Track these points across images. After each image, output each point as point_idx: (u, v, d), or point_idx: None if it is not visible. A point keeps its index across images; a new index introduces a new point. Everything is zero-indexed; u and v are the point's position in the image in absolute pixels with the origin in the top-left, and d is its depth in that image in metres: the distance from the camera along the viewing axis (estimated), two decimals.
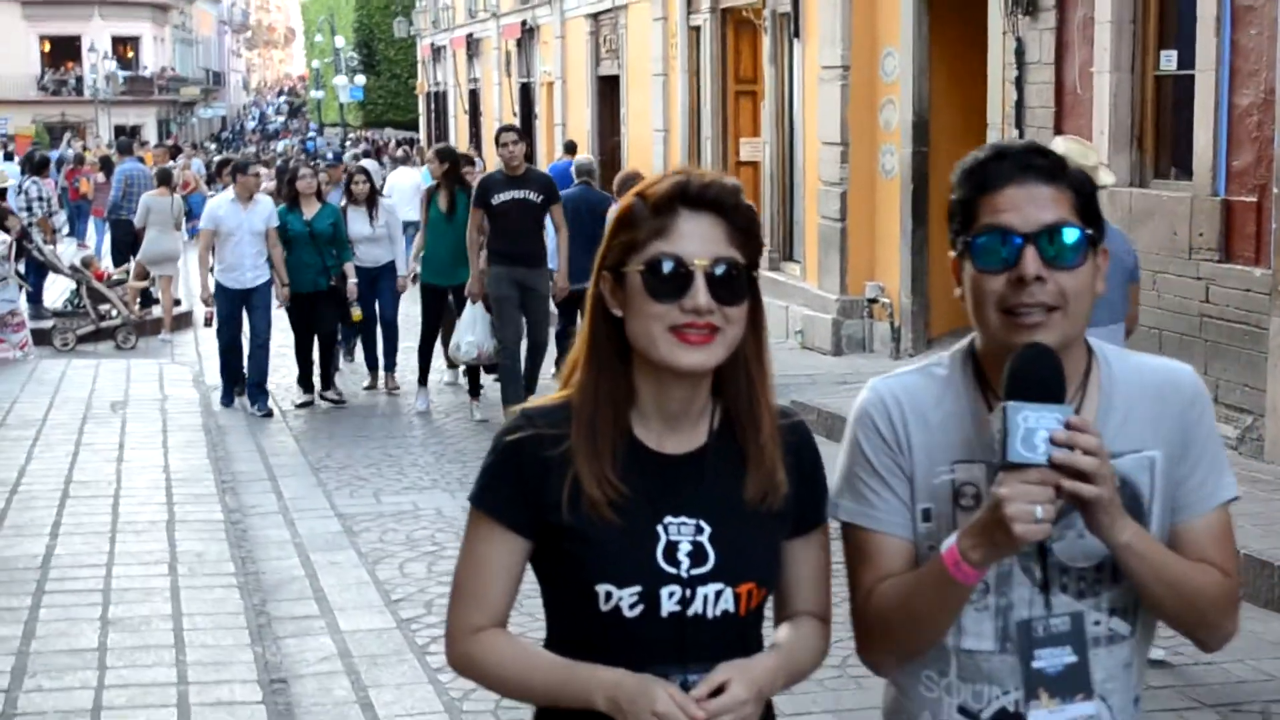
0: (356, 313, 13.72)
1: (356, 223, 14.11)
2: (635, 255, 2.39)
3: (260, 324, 13.38)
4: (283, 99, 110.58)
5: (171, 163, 28.22)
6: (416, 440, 12.28)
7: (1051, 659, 2.37)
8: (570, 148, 22.79)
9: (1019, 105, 12.46)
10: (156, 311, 19.33)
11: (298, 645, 7.08)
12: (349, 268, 13.55)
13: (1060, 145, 8.12)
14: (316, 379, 13.84)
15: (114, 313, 18.03)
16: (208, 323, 13.94)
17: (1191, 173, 10.58)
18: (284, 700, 6.19)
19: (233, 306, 13.34)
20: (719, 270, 2.35)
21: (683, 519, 2.42)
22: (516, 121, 31.42)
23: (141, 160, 26.86)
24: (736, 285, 2.37)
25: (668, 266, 2.36)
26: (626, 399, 2.45)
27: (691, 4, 20.61)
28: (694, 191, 2.39)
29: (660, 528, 2.41)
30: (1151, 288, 10.27)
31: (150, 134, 63.46)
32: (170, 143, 48.33)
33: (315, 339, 13.63)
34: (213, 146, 50.81)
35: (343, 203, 14.28)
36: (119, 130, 48.09)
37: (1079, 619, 2.39)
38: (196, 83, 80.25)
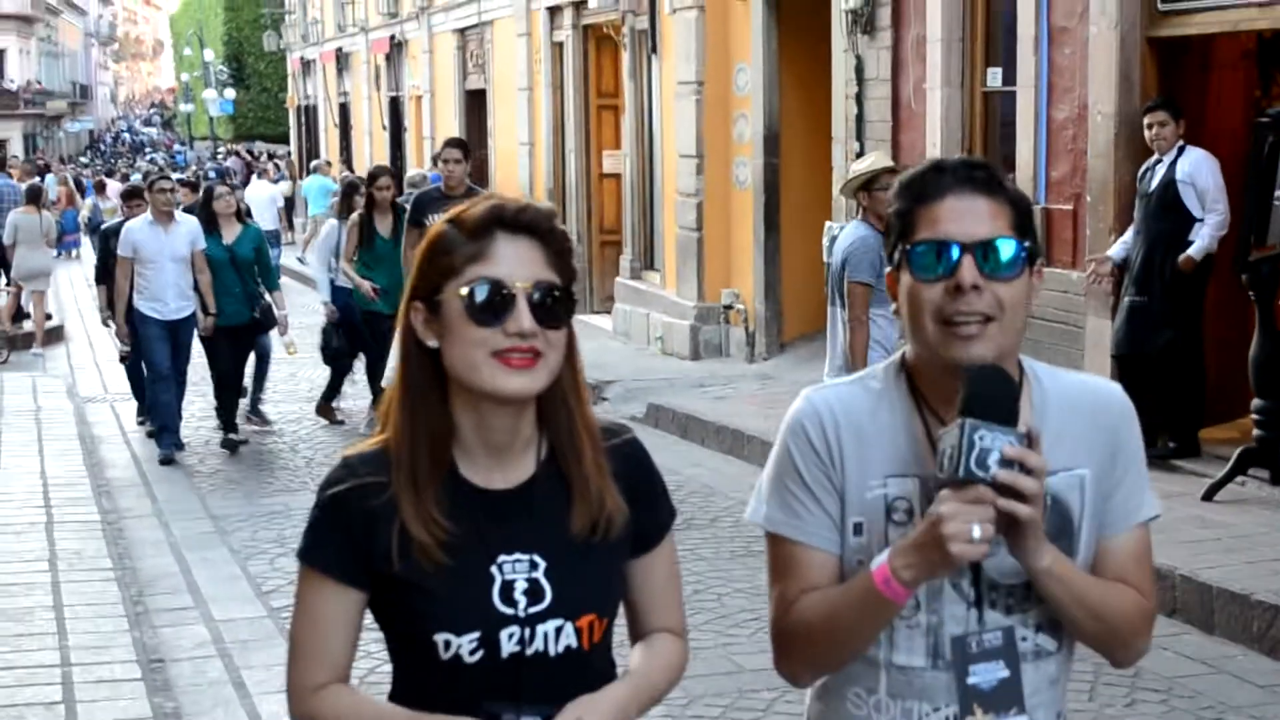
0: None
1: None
2: (452, 281, 2.35)
3: (183, 360, 12.28)
4: (153, 111, 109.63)
5: (39, 179, 28.28)
6: (286, 445, 12.70)
7: (986, 674, 2.38)
8: (437, 160, 23.21)
9: (859, 119, 13.15)
10: (28, 326, 19.54)
11: (173, 633, 7.52)
12: (278, 296, 12.72)
13: (867, 161, 8.82)
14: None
15: None
16: (124, 360, 12.68)
17: (1015, 183, 11.29)
18: (162, 678, 6.68)
19: (163, 333, 11.94)
20: (540, 293, 2.34)
21: (516, 556, 2.39)
22: (386, 135, 31.83)
23: (10, 176, 26.91)
24: (557, 308, 2.36)
25: (487, 290, 2.32)
26: (447, 435, 2.40)
27: (554, 20, 21.14)
28: (510, 215, 2.37)
29: (495, 568, 2.38)
30: None
31: (16, 149, 62.85)
32: (39, 159, 47.98)
33: (229, 374, 12.56)
34: (84, 161, 50.34)
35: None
36: None
37: (1010, 634, 2.41)
38: (64, 96, 79.46)
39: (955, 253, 2.35)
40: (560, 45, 21.03)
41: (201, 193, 13.46)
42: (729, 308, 15.98)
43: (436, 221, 9.24)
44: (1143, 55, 10.10)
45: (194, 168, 43.24)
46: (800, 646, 2.47)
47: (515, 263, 2.35)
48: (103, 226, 14.62)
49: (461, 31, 26.20)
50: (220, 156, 51.76)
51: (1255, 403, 8.89)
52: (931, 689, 2.42)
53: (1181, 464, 9.52)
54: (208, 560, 8.95)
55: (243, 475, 11.40)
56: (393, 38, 30.75)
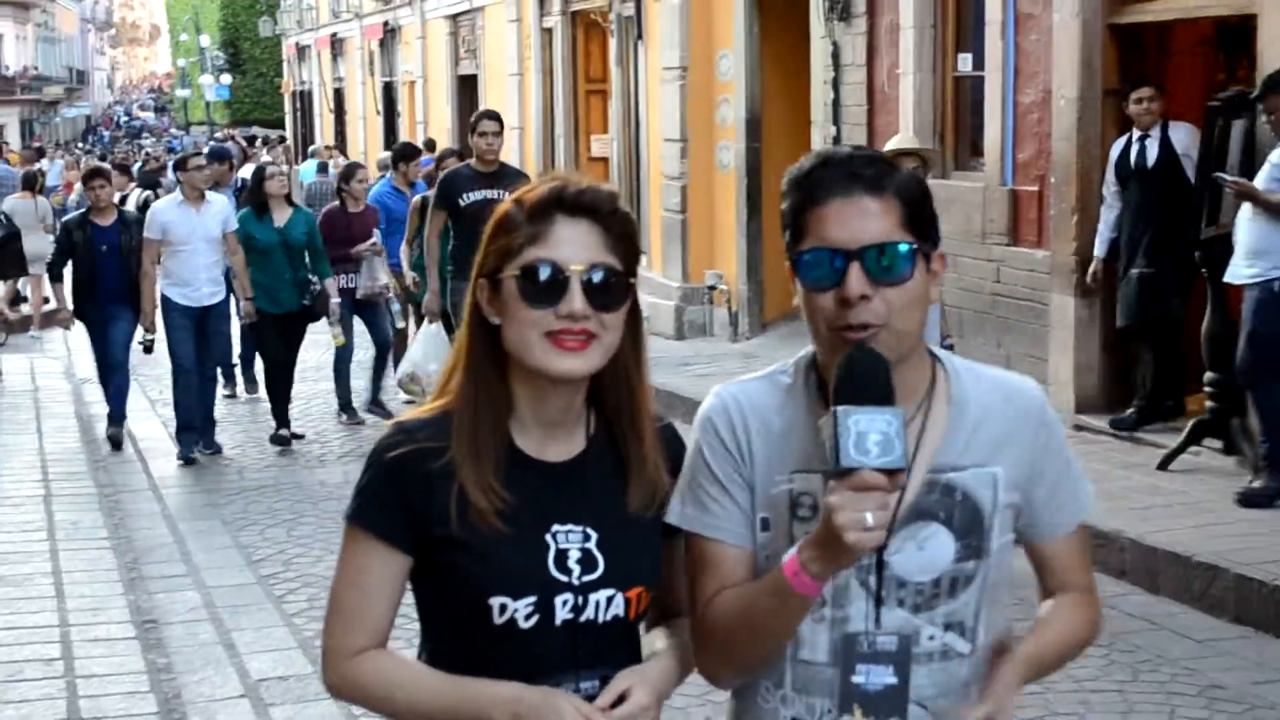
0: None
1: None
2: (511, 261, 2.38)
3: (219, 350, 11.76)
4: (149, 96, 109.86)
5: (38, 165, 28.58)
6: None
7: (872, 676, 2.36)
8: (430, 145, 23.52)
9: (836, 104, 13.47)
10: (25, 309, 19.88)
11: (167, 598, 7.86)
12: (331, 284, 11.81)
13: (894, 141, 9.03)
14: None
15: None
16: (148, 349, 11.69)
17: (984, 165, 11.66)
18: (155, 638, 7.04)
19: (188, 324, 11.30)
20: (595, 276, 2.36)
21: (570, 526, 2.43)
22: (380, 120, 32.14)
23: (8, 161, 27.21)
24: (613, 291, 2.38)
25: (543, 272, 2.35)
26: (506, 407, 2.45)
27: (544, 7, 21.45)
28: (570, 197, 2.39)
29: (549, 536, 2.42)
30: (952, 270, 11.30)
31: (13, 134, 63.11)
32: (35, 144, 48.23)
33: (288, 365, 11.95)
34: (80, 147, 50.61)
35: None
36: None
37: (905, 641, 2.37)
38: (60, 82, 79.63)
39: (842, 261, 2.31)
40: (550, 31, 21.34)
41: (252, 172, 12.61)
42: (713, 288, 16.28)
43: (469, 201, 8.95)
44: (1104, 42, 10.41)
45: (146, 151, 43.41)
46: (719, 643, 2.45)
47: (572, 245, 2.37)
48: (64, 219, 13.30)
49: (453, 18, 26.50)
50: (219, 140, 52.00)
51: (1208, 376, 9.21)
52: (832, 685, 2.39)
53: (1142, 435, 9.87)
54: (200, 531, 9.28)
55: (236, 451, 11.73)
56: (386, 24, 31.06)
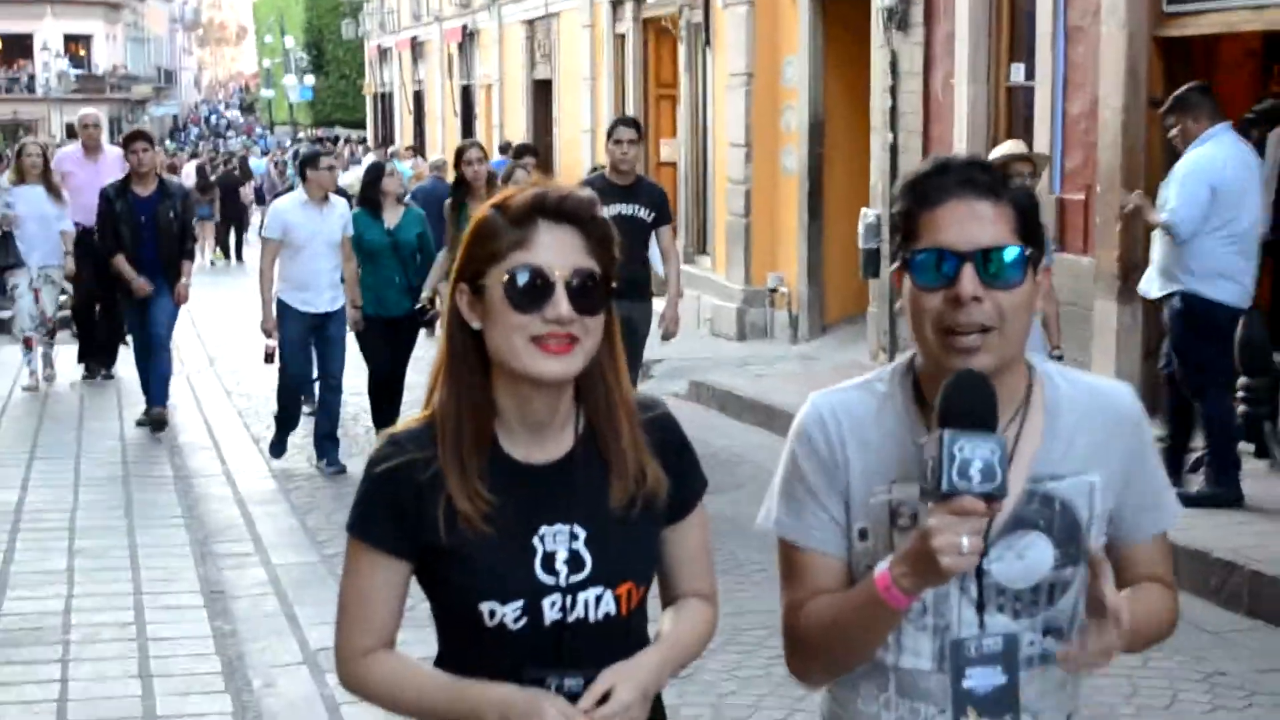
0: None
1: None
2: (495, 267, 2.42)
3: (336, 359, 11.03)
4: (235, 95, 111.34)
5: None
6: (349, 415, 13.47)
7: (982, 679, 2.40)
8: (504, 148, 23.95)
9: (893, 111, 13.79)
10: None
11: (235, 575, 8.31)
12: (443, 287, 11.06)
13: (1005, 147, 9.30)
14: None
15: None
16: (269, 358, 11.01)
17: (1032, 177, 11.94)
18: (221, 606, 7.51)
19: (303, 333, 10.79)
20: (578, 281, 2.41)
21: (557, 527, 2.48)
22: (458, 122, 32.67)
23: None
24: (595, 295, 2.43)
25: (528, 277, 2.40)
26: (489, 412, 2.49)
27: (616, 13, 21.89)
28: (552, 204, 2.44)
29: (536, 539, 2.47)
30: None
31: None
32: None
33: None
34: (170, 146, 51.44)
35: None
36: (70, 129, 48.98)
37: (1013, 641, 2.41)
38: (148, 80, 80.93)
39: (955, 263, 2.34)
40: (622, 37, 21.76)
41: (365, 170, 12.05)
42: (774, 291, 16.62)
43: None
44: (1149, 54, 10.70)
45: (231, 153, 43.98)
46: (810, 650, 2.51)
47: (555, 251, 2.41)
48: (101, 186, 12.32)
49: (530, 23, 26.99)
50: (300, 141, 52.82)
51: (1241, 380, 9.48)
52: (936, 691, 2.44)
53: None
54: (270, 515, 9.72)
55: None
56: (465, 27, 31.60)
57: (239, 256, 30.99)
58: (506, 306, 2.41)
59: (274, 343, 10.82)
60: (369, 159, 22.62)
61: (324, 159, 11.06)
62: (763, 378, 14.13)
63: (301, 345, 10.79)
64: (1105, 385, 2.58)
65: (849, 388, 2.54)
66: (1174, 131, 8.91)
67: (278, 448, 11.15)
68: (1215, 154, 8.64)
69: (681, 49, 19.39)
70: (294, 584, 8.11)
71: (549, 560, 2.46)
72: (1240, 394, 9.52)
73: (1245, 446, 9.54)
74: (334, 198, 10.89)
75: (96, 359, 14.29)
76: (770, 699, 6.13)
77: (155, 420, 11.95)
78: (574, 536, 2.48)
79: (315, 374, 11.33)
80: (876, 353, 14.27)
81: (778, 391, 12.95)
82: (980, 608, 2.41)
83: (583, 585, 2.47)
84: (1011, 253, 2.35)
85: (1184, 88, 9.02)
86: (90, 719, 6.15)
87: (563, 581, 2.46)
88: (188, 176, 29.91)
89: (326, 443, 10.96)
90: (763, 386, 13.48)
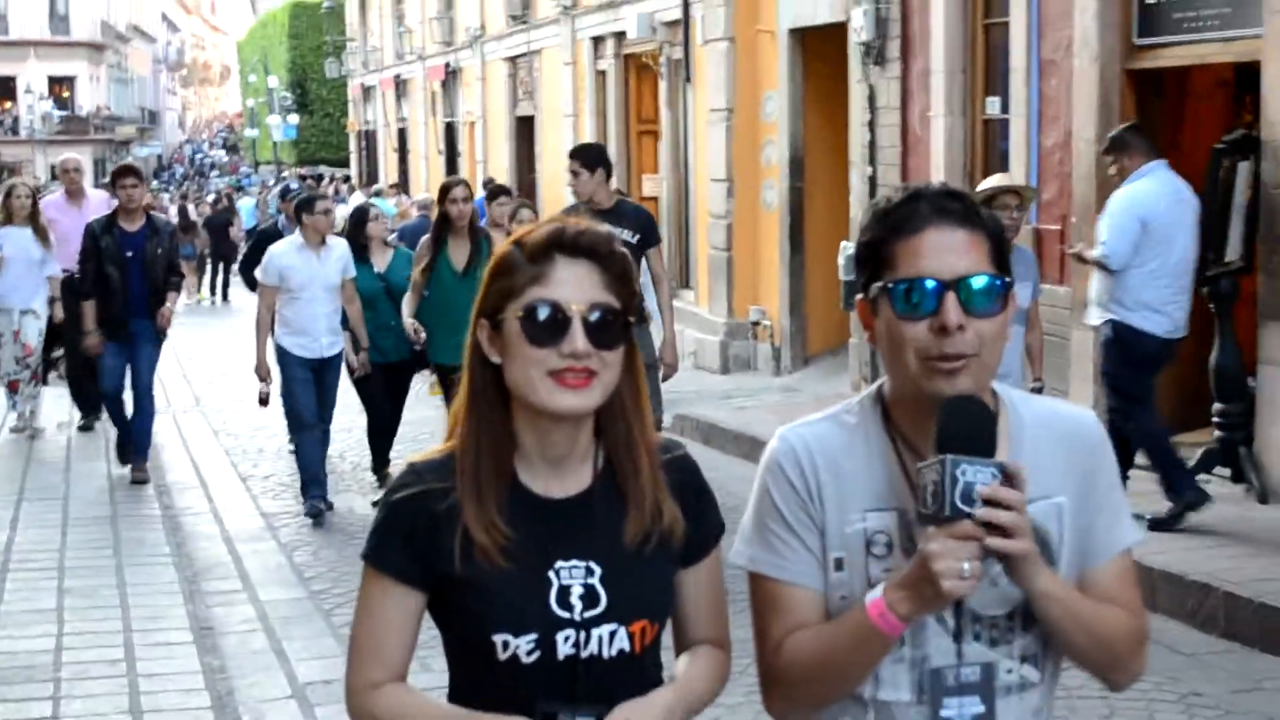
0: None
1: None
2: (513, 302, 2.44)
3: (328, 406, 10.88)
4: (219, 135, 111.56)
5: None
6: (334, 452, 13.55)
7: (960, 709, 2.41)
8: (488, 184, 24.08)
9: (872, 145, 13.95)
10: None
11: (224, 612, 8.39)
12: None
13: (993, 180, 9.48)
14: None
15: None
16: (264, 402, 10.90)
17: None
18: (210, 644, 7.60)
19: (308, 375, 10.58)
20: (596, 315, 2.41)
21: (573, 562, 2.48)
22: (442, 160, 32.85)
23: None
24: (613, 330, 2.43)
25: (545, 312, 2.41)
26: (509, 445, 2.50)
27: (598, 50, 22.08)
28: (569, 239, 2.45)
29: (552, 573, 2.47)
30: None
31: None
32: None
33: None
34: (154, 186, 51.54)
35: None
36: (54, 170, 49.13)
37: (990, 670, 2.43)
38: (132, 121, 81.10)
39: (939, 291, 2.35)
40: (603, 74, 21.96)
41: (351, 214, 12.03)
42: (756, 324, 16.77)
43: None
44: (1122, 86, 10.88)
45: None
46: (790, 684, 2.49)
47: (573, 286, 2.42)
48: (88, 221, 11.94)
49: (512, 60, 27.19)
50: (284, 179, 52.94)
51: (1216, 406, 9.63)
52: None
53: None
54: (257, 552, 9.79)
55: (293, 479, 12.21)
56: (448, 65, 31.79)
57: (225, 296, 31.04)
58: (523, 341, 2.42)
59: (267, 387, 10.73)
60: (355, 198, 22.73)
61: (320, 203, 10.77)
62: (746, 409, 14.25)
63: (308, 387, 10.55)
64: (1065, 409, 2.61)
65: (816, 420, 2.56)
66: (1112, 170, 9.29)
67: (316, 498, 10.66)
68: (1149, 189, 8.99)
69: (662, 85, 19.58)
70: (282, 620, 8.19)
71: (564, 594, 2.46)
72: (1215, 419, 9.67)
73: (1221, 471, 9.69)
74: (332, 240, 10.67)
75: (88, 405, 14.22)
76: None
77: (137, 479, 11.60)
78: (590, 572, 2.48)
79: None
80: (859, 384, 14.39)
81: (761, 423, 13.06)
82: (958, 637, 2.42)
83: (597, 621, 2.47)
84: (992, 281, 2.37)
85: (1118, 128, 9.49)
86: None
87: (577, 616, 2.46)
88: (171, 216, 29.95)
89: (311, 484, 10.78)
90: (746, 418, 13.60)
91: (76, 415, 14.39)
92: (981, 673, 2.42)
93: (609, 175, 9.66)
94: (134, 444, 11.79)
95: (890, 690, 2.45)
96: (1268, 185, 9.38)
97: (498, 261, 2.51)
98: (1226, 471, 9.66)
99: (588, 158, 10.05)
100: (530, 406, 2.45)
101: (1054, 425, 2.51)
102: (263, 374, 10.66)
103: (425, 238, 10.66)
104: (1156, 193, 8.97)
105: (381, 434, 11.30)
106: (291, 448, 11.74)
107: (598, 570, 2.48)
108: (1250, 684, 6.88)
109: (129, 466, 11.80)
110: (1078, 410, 2.61)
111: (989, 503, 2.22)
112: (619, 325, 2.45)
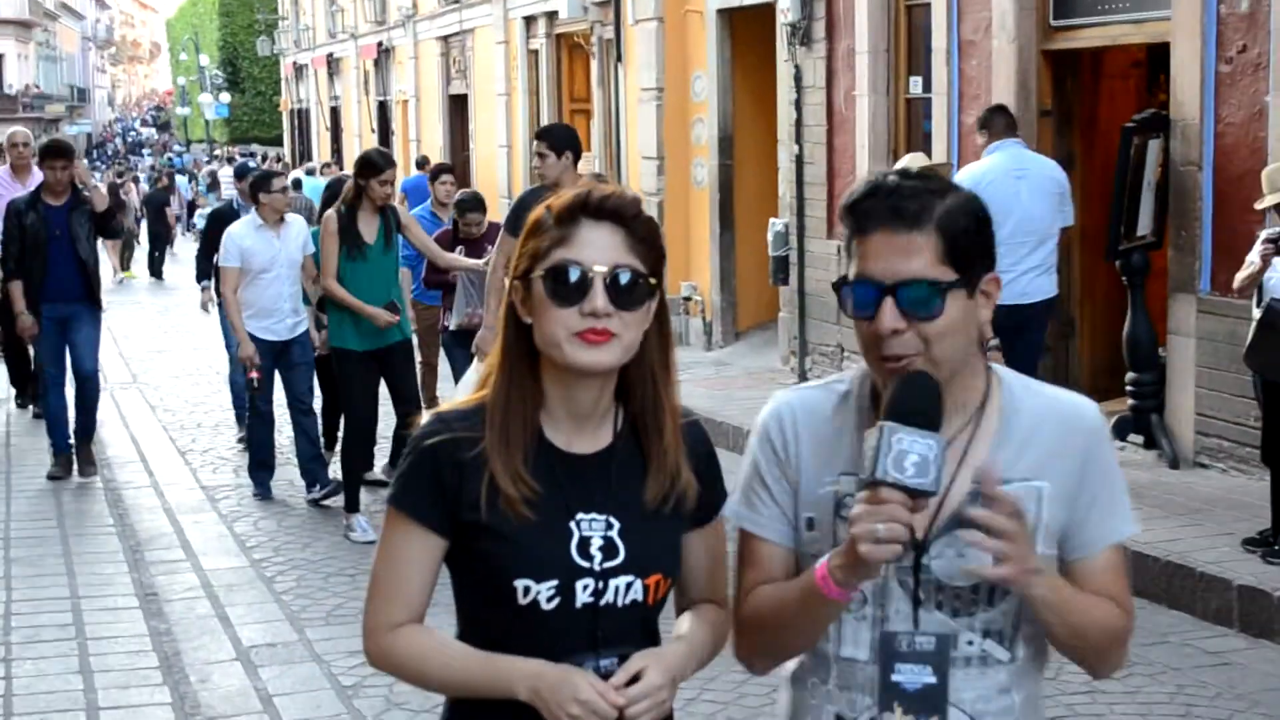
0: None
1: None
2: (540, 263, 2.51)
3: (304, 382, 10.48)
4: (150, 113, 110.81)
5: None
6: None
7: (911, 675, 2.43)
8: (421, 163, 24.22)
9: (799, 123, 14.24)
10: None
11: (168, 580, 8.60)
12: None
13: (906, 160, 9.82)
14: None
15: None
16: (256, 386, 10.35)
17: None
18: (156, 608, 7.83)
19: (269, 360, 10.28)
20: (618, 277, 2.48)
21: (593, 515, 2.55)
22: (375, 138, 32.93)
23: None
24: (635, 291, 2.49)
25: (569, 273, 2.48)
26: (537, 401, 2.57)
27: (530, 29, 22.27)
28: (595, 202, 2.52)
29: (573, 524, 2.54)
30: None
31: None
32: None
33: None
34: (85, 164, 51.06)
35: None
36: None
37: (944, 642, 2.44)
38: (61, 99, 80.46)
39: (875, 296, 2.39)
40: (536, 53, 22.15)
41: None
42: (688, 299, 17.03)
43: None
44: (1039, 66, 11.22)
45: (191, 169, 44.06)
46: (752, 635, 2.59)
47: (595, 248, 2.49)
48: (11, 198, 11.47)
49: (445, 39, 27.32)
50: (217, 158, 52.76)
51: (1129, 375, 9.99)
52: (872, 682, 2.48)
53: None
54: (198, 523, 9.99)
55: (232, 454, 12.41)
56: (380, 44, 31.88)
57: (158, 274, 30.97)
58: (548, 301, 2.49)
59: (257, 371, 10.19)
60: (294, 174, 22.89)
61: (275, 180, 10.41)
62: (679, 383, 14.47)
63: (266, 376, 10.24)
64: (1065, 397, 2.60)
65: (812, 386, 2.65)
66: (982, 145, 9.81)
67: (261, 485, 10.60)
68: (986, 164, 9.55)
69: (594, 65, 19.79)
70: (225, 587, 8.41)
71: (584, 545, 2.54)
72: (1128, 388, 10.04)
73: (1135, 438, 10.05)
74: (290, 217, 10.40)
75: (28, 388, 14.02)
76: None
77: (85, 460, 11.15)
78: (609, 525, 2.56)
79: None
80: (788, 357, 14.72)
81: (693, 397, 13.33)
82: (917, 603, 2.45)
83: (615, 572, 2.54)
84: (929, 285, 2.37)
85: (986, 109, 10.08)
86: (35, 711, 6.46)
87: (597, 566, 2.53)
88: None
89: (313, 465, 10.39)
90: (682, 393, 13.82)
91: (14, 397, 14.52)
92: (936, 643, 2.44)
93: (577, 159, 9.19)
94: (79, 426, 11.30)
95: (850, 647, 2.51)
96: (1177, 163, 9.73)
97: (531, 224, 2.59)
98: (1140, 439, 10.02)
99: (555, 140, 9.29)
100: (555, 363, 2.53)
101: (1051, 411, 2.53)
102: (251, 357, 10.10)
103: (329, 212, 9.73)
104: (991, 167, 9.43)
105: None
106: (242, 434, 11.70)
107: (616, 524, 2.56)
108: (1156, 638, 7.24)
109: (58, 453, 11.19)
110: (1078, 399, 2.59)
111: (926, 467, 2.25)
112: (642, 287, 2.51)
